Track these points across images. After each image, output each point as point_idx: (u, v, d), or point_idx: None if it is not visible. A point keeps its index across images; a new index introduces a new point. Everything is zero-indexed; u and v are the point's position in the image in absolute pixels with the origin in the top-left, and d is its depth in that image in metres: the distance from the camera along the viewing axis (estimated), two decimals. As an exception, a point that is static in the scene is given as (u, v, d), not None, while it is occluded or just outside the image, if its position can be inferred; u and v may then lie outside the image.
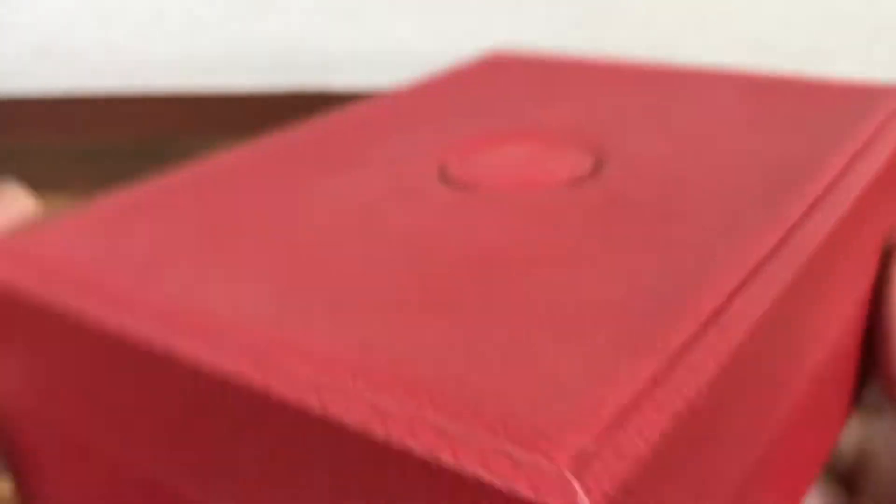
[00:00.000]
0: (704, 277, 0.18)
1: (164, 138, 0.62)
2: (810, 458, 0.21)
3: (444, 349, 0.16)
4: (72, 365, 0.18)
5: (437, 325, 0.16)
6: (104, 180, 0.59)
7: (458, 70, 0.29)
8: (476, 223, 0.19)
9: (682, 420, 0.14)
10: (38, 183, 0.58)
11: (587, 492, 0.12)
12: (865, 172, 0.22)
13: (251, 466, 0.16)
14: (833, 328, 0.21)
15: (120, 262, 0.18)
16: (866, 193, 0.21)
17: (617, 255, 0.18)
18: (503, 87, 0.28)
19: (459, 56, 0.64)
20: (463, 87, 0.28)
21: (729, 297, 0.17)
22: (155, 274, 0.18)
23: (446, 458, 0.14)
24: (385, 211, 0.20)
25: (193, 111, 0.65)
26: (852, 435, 0.25)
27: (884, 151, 0.23)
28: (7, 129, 0.64)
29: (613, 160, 0.23)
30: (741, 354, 0.16)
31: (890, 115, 0.25)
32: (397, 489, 0.14)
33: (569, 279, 0.18)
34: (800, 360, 0.20)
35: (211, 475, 0.17)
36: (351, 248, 0.19)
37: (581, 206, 0.20)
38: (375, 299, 0.17)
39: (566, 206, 0.21)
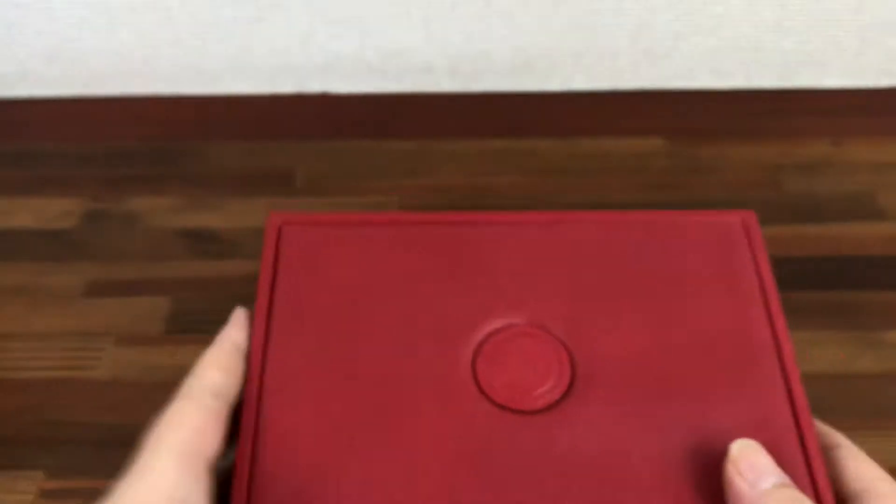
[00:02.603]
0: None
1: (171, 140, 0.63)
2: None
3: None
4: None
5: None
6: (111, 181, 0.60)
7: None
8: None
9: None
10: (47, 183, 0.60)
11: None
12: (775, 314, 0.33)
13: None
14: None
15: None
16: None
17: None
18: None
19: (458, 60, 0.66)
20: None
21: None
22: None
23: None
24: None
25: (199, 114, 0.66)
26: None
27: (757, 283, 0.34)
28: (18, 131, 0.65)
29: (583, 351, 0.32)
30: None
31: (742, 247, 0.35)
32: None
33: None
34: None
35: None
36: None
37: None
38: None
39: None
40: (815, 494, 0.28)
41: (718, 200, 0.57)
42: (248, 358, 0.32)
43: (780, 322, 0.32)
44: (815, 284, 0.51)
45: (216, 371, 0.31)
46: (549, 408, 0.30)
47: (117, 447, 0.44)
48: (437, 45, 0.65)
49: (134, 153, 0.62)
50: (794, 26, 0.64)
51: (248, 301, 0.51)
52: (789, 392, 0.31)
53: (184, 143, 0.63)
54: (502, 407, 0.30)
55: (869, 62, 0.66)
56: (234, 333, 0.32)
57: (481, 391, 0.30)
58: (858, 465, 0.29)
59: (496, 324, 0.32)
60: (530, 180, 0.59)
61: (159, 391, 0.47)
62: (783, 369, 0.31)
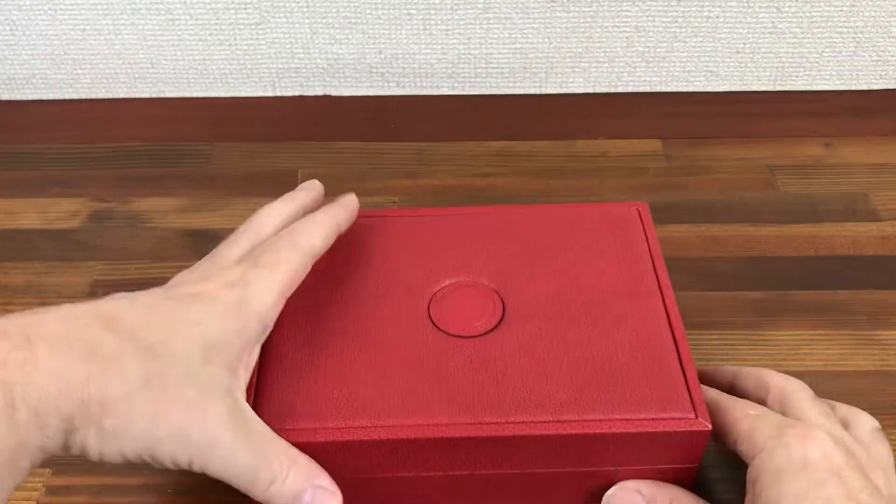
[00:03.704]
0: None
1: (175, 142, 0.64)
2: None
3: None
4: None
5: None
6: (116, 182, 0.60)
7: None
8: None
9: None
10: (52, 184, 0.60)
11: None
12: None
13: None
14: None
15: None
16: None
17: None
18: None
19: (457, 63, 0.66)
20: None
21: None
22: None
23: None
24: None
25: (203, 116, 0.66)
26: None
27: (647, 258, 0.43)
28: (24, 132, 0.65)
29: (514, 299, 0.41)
30: None
31: (637, 230, 0.44)
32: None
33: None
34: None
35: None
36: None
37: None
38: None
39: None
40: (689, 395, 0.36)
41: (714, 201, 0.58)
42: None
43: (664, 276, 0.41)
44: (809, 284, 0.52)
45: (319, 239, 0.39)
46: (485, 333, 0.39)
47: (122, 444, 0.45)
48: (437, 48, 0.65)
49: (138, 154, 0.63)
50: (788, 29, 0.64)
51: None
52: (669, 321, 0.39)
53: (188, 145, 0.63)
54: (449, 334, 0.39)
55: (863, 64, 0.66)
56: (341, 214, 0.41)
57: (434, 324, 0.40)
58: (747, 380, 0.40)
59: (446, 281, 0.42)
60: (528, 181, 0.60)
61: (164, 389, 0.47)
62: (665, 307, 0.40)
